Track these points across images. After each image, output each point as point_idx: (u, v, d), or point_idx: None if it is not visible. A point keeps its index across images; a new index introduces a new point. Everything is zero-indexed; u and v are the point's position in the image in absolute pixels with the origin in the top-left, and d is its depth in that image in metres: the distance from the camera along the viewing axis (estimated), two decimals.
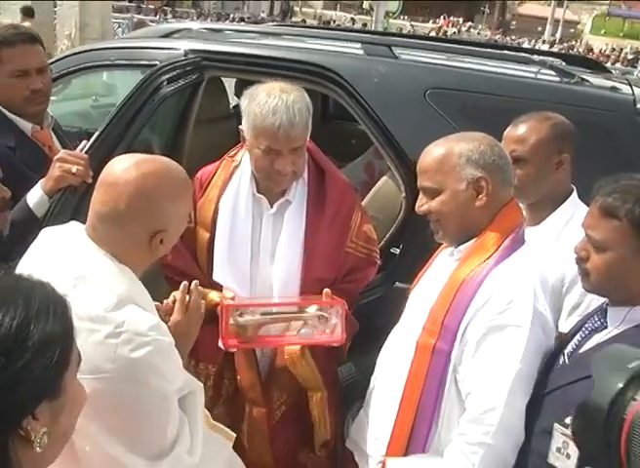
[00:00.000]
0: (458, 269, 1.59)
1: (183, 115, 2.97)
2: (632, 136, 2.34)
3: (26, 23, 6.76)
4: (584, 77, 2.72)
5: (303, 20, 24.46)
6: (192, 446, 1.38)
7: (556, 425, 1.36)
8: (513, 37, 34.50)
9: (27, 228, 1.85)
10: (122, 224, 1.32)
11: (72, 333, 0.90)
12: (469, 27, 40.43)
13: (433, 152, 1.61)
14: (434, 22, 40.19)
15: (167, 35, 3.08)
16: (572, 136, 1.97)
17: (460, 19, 42.09)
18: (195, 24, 3.56)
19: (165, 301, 1.54)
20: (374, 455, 1.68)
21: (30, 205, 1.95)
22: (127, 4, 24.02)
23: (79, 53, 3.05)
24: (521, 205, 1.74)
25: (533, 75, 2.79)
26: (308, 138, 2.01)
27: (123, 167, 1.35)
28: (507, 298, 1.49)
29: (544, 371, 1.49)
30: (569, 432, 1.31)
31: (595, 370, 1.09)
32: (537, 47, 23.81)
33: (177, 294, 1.55)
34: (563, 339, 1.57)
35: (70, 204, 1.98)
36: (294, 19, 31.27)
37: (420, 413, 1.55)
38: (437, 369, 1.54)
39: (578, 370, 1.35)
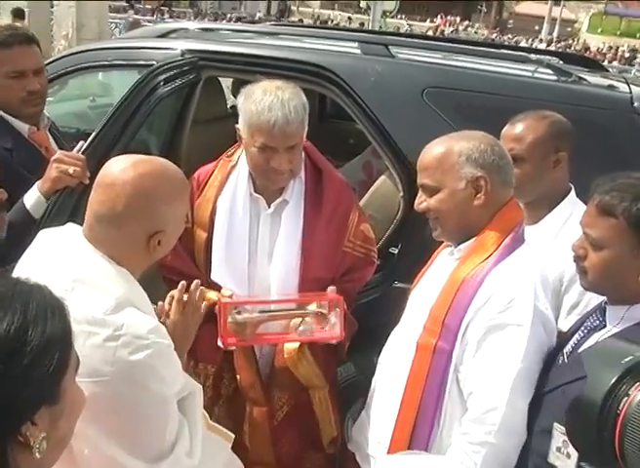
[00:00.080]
0: (458, 268, 1.59)
1: (181, 115, 2.97)
2: (629, 134, 2.34)
3: (17, 25, 6.74)
4: (582, 76, 2.72)
5: (300, 20, 24.45)
6: (191, 447, 1.37)
7: (556, 424, 1.36)
8: (510, 36, 34.52)
9: (25, 230, 1.84)
10: (120, 225, 1.32)
11: (71, 338, 0.90)
12: (466, 26, 40.46)
13: (433, 150, 1.62)
14: (431, 22, 40.18)
15: (164, 35, 3.07)
16: (569, 135, 1.97)
17: (458, 19, 42.08)
18: (192, 24, 3.55)
19: (160, 303, 1.54)
20: (375, 456, 1.68)
21: (27, 206, 1.94)
22: (124, 4, 23.99)
23: (76, 53, 3.05)
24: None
25: (530, 74, 2.79)
26: (305, 138, 2.01)
27: (120, 167, 1.34)
28: (508, 297, 1.49)
29: (544, 370, 1.49)
30: None
31: (589, 366, 1.09)
32: (534, 46, 23.82)
33: (174, 294, 1.55)
34: (562, 338, 1.57)
35: (68, 205, 1.98)
36: (291, 18, 31.26)
37: (422, 413, 1.55)
38: (438, 368, 1.54)
39: (576, 370, 1.34)
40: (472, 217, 1.59)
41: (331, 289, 1.89)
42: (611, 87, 2.58)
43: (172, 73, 2.53)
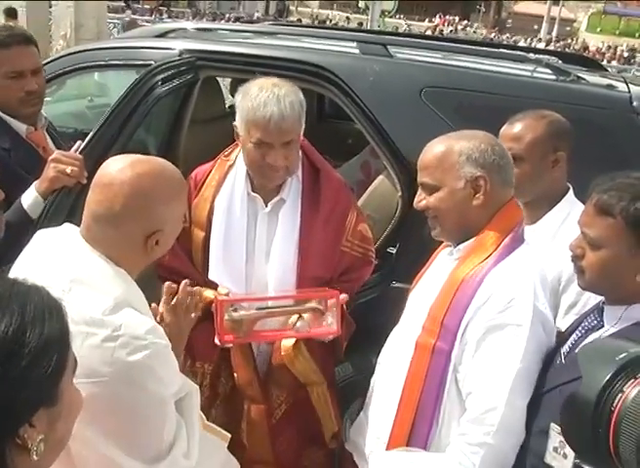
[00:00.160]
0: (457, 268, 1.58)
1: (179, 115, 2.97)
2: (628, 133, 2.34)
3: (14, 25, 6.72)
4: (580, 75, 2.72)
5: (299, 20, 24.45)
6: (189, 448, 1.37)
7: (552, 425, 1.36)
8: (508, 35, 34.51)
9: (22, 230, 1.84)
10: (117, 225, 1.31)
11: (68, 339, 0.89)
12: (465, 26, 40.46)
13: (434, 149, 1.62)
14: (430, 21, 40.19)
15: (162, 35, 3.07)
16: (568, 135, 1.97)
17: (456, 18, 42.09)
18: (190, 24, 3.55)
19: (153, 305, 1.53)
20: (373, 451, 1.67)
21: (25, 206, 1.94)
22: (122, 4, 23.98)
23: (74, 53, 3.04)
24: None
25: (529, 73, 2.79)
26: (304, 137, 2.01)
27: (118, 167, 1.34)
28: (507, 297, 1.48)
29: (543, 371, 1.49)
30: None
31: (583, 364, 1.09)
32: (533, 45, 23.83)
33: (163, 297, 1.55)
34: (560, 338, 1.56)
35: (65, 205, 1.97)
36: (290, 18, 31.25)
37: (420, 413, 1.55)
38: (437, 368, 1.53)
39: (574, 370, 1.34)
40: (471, 217, 1.59)
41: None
42: (610, 86, 2.58)
43: (170, 73, 2.53)
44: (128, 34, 3.62)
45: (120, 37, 3.82)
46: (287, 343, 1.93)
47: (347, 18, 34.81)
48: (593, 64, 3.40)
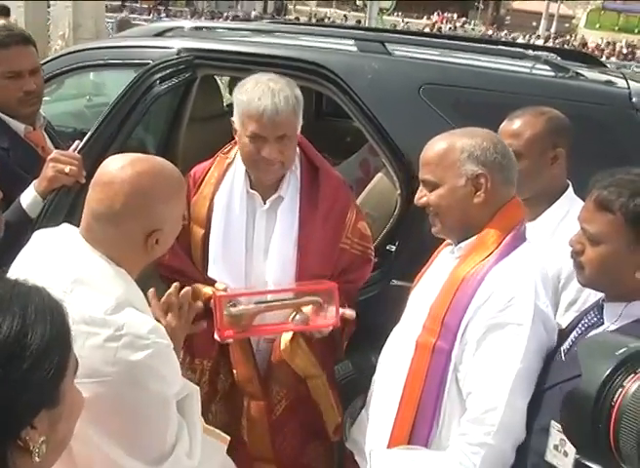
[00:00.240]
0: (458, 267, 1.58)
1: (177, 114, 2.96)
2: (628, 129, 2.34)
3: (1, 22, 6.70)
4: (579, 71, 2.71)
5: (297, 18, 24.43)
6: (191, 448, 1.37)
7: (553, 422, 1.36)
8: (505, 32, 34.45)
9: (21, 229, 1.84)
10: (118, 223, 1.31)
11: (70, 340, 0.89)
12: (464, 23, 40.42)
13: (436, 146, 1.61)
14: (428, 19, 40.16)
15: (160, 34, 3.06)
16: (567, 131, 1.97)
17: (455, 15, 42.05)
18: (188, 23, 3.54)
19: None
20: (373, 450, 1.66)
21: (24, 206, 1.94)
22: (120, 3, 23.97)
23: (72, 52, 3.04)
24: None
25: (527, 70, 2.78)
26: (302, 135, 2.01)
27: (118, 165, 1.34)
28: (508, 296, 1.47)
29: (543, 368, 1.49)
30: None
31: (583, 359, 1.09)
32: (531, 42, 23.80)
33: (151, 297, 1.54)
34: (560, 335, 1.56)
35: (64, 204, 1.97)
36: (287, 17, 31.21)
37: (421, 412, 1.55)
38: (437, 367, 1.53)
39: (574, 368, 1.34)
40: (472, 215, 1.58)
41: None
42: (609, 82, 2.58)
43: (168, 72, 2.52)
44: (126, 33, 3.61)
45: (118, 36, 3.82)
46: (285, 338, 1.94)
47: (345, 16, 34.77)
48: (592, 61, 3.39)
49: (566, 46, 25.31)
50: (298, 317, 1.87)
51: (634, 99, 2.37)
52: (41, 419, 0.82)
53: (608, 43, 32.21)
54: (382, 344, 1.79)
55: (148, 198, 1.33)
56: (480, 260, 1.54)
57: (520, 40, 25.08)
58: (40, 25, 9.63)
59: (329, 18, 34.35)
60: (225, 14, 25.81)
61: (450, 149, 1.58)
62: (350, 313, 1.91)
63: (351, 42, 2.86)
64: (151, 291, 1.55)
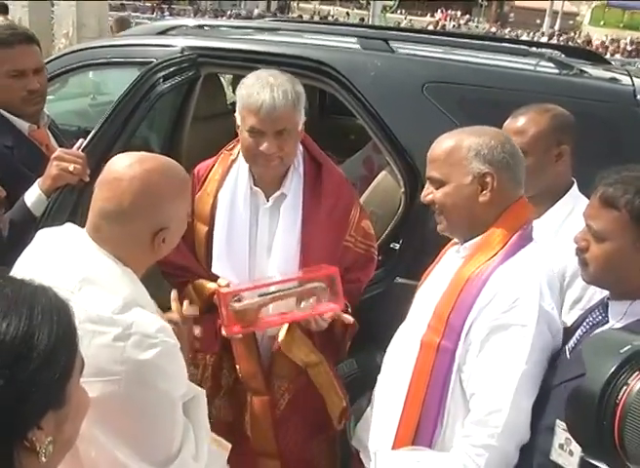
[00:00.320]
0: (463, 267, 1.57)
1: (181, 112, 2.97)
2: (632, 127, 2.33)
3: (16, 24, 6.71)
4: (583, 69, 2.71)
5: (300, 16, 24.40)
6: (197, 451, 1.36)
7: (558, 421, 1.35)
8: (509, 29, 34.34)
9: (25, 228, 1.85)
10: (126, 221, 1.31)
11: (76, 340, 0.88)
12: (467, 21, 40.29)
13: (443, 143, 1.60)
14: (432, 16, 40.05)
15: (163, 32, 3.07)
16: (571, 128, 1.96)
17: (458, 13, 41.92)
18: (191, 21, 3.54)
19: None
20: (379, 451, 1.65)
21: (28, 204, 1.94)
22: (124, 2, 23.97)
23: (76, 51, 3.04)
24: None
25: (531, 67, 2.78)
26: (306, 133, 2.01)
27: (126, 164, 1.34)
28: (512, 297, 1.46)
29: (548, 367, 1.48)
30: None
31: (587, 357, 1.09)
32: (535, 39, 23.72)
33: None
34: (565, 333, 1.55)
35: (68, 202, 1.98)
36: (291, 14, 31.17)
37: (425, 412, 1.54)
38: (442, 367, 1.52)
39: (579, 367, 1.34)
40: (477, 214, 1.57)
41: None
42: (613, 80, 2.57)
43: (171, 70, 2.53)
44: (129, 32, 3.62)
45: (122, 35, 3.82)
46: (282, 330, 1.95)
47: (347, 13, 34.70)
48: (596, 58, 3.38)
49: (570, 43, 25.24)
50: (302, 304, 1.88)
51: (639, 97, 2.36)
52: (47, 420, 0.82)
53: (612, 40, 32.07)
54: (387, 342, 1.78)
55: (156, 196, 1.32)
56: (485, 260, 1.53)
57: (524, 37, 25.00)
58: (44, 24, 9.64)
59: (332, 15, 34.31)
60: (229, 12, 25.81)
61: (457, 147, 1.57)
62: (349, 318, 1.91)
63: (354, 40, 2.86)
64: (174, 292, 1.57)
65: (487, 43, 3.23)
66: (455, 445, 1.50)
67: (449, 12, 41.35)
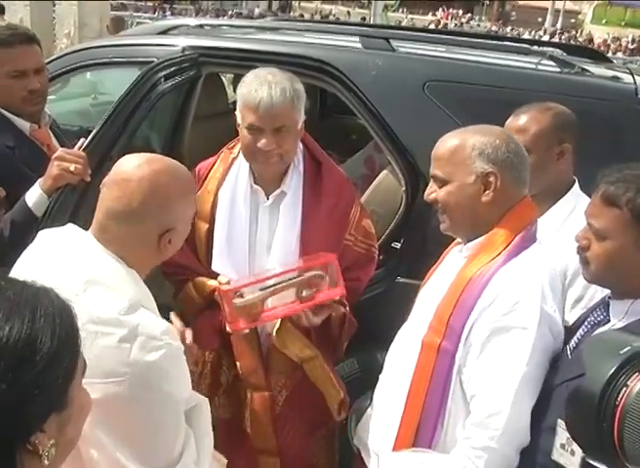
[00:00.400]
0: (465, 267, 1.56)
1: (182, 112, 2.97)
2: (634, 125, 2.32)
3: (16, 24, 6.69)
4: (585, 67, 2.70)
5: (301, 15, 24.40)
6: (200, 458, 1.35)
7: (559, 421, 1.34)
8: (510, 28, 34.27)
9: (27, 228, 1.85)
10: (134, 222, 1.31)
11: (78, 341, 0.88)
12: (469, 19, 40.22)
13: (448, 142, 1.59)
14: (433, 15, 39.98)
15: (164, 32, 3.06)
16: (573, 127, 1.96)
17: (460, 12, 41.86)
18: (192, 21, 3.54)
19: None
20: (380, 452, 1.65)
21: (29, 204, 1.94)
22: (126, 2, 24.00)
23: (77, 51, 3.04)
24: None
25: (533, 66, 2.77)
26: (307, 132, 2.02)
27: (135, 164, 1.34)
28: (513, 299, 1.45)
29: (551, 367, 1.47)
30: None
31: (587, 358, 1.09)
32: (536, 38, 23.69)
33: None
34: (567, 333, 1.55)
35: (69, 202, 1.98)
36: (292, 14, 31.15)
37: (426, 413, 1.53)
38: (442, 368, 1.51)
39: (579, 366, 1.33)
40: (480, 214, 1.56)
41: None
42: (615, 78, 2.57)
43: (172, 69, 2.53)
44: (131, 31, 3.62)
45: (123, 34, 3.82)
46: (275, 326, 1.96)
47: (348, 12, 34.67)
48: (598, 56, 3.38)
49: (572, 41, 25.20)
50: (304, 294, 1.88)
51: None
52: (50, 423, 0.82)
53: (614, 38, 31.98)
54: (388, 342, 1.78)
55: (165, 196, 1.33)
56: (487, 261, 1.52)
57: (526, 36, 24.96)
58: (46, 24, 9.66)
59: (334, 15, 34.27)
60: (230, 12, 25.81)
61: (461, 146, 1.56)
62: (339, 308, 1.92)
63: (356, 39, 2.86)
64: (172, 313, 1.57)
65: (488, 42, 3.23)
66: (455, 446, 1.49)
67: (450, 10, 41.29)
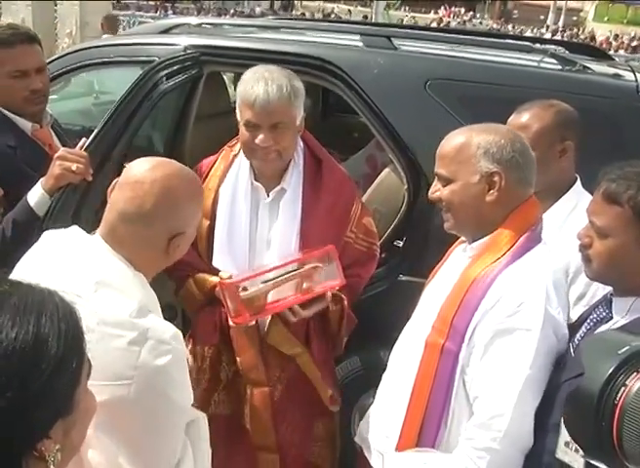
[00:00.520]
0: (469, 267, 1.55)
1: (183, 111, 2.97)
2: (636, 123, 2.32)
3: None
4: (587, 65, 2.70)
5: (302, 14, 24.38)
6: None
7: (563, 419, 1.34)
8: (512, 25, 34.22)
9: (29, 228, 1.85)
10: (145, 224, 1.31)
11: (83, 346, 0.87)
12: (471, 17, 40.16)
13: (453, 140, 1.58)
14: (435, 13, 39.93)
15: (166, 31, 3.07)
16: (575, 124, 1.96)
17: (462, 10, 41.79)
18: (195, 20, 3.54)
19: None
20: (384, 451, 1.65)
21: (31, 204, 1.94)
22: (127, 1, 24.00)
23: (79, 50, 3.04)
24: None
25: (534, 64, 2.77)
26: (309, 131, 2.02)
27: (147, 167, 1.34)
28: (517, 300, 1.44)
29: (555, 365, 1.47)
30: None
31: (586, 357, 1.09)
32: (538, 35, 23.65)
33: None
34: (570, 330, 1.54)
35: (71, 202, 1.98)
36: (294, 12, 31.14)
37: (429, 412, 1.53)
38: (445, 369, 1.51)
39: (580, 365, 1.33)
40: (485, 213, 1.55)
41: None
42: (616, 76, 2.56)
43: (174, 69, 2.52)
44: (132, 31, 3.62)
45: (124, 34, 3.82)
46: (267, 325, 1.98)
47: (349, 10, 34.63)
48: (600, 54, 3.37)
49: (574, 39, 25.14)
50: (305, 285, 1.90)
51: None
52: (56, 428, 0.81)
53: (616, 36, 31.91)
54: (391, 340, 1.78)
55: (177, 200, 1.33)
56: (491, 262, 1.51)
57: (528, 34, 24.92)
58: (47, 24, 9.69)
59: (335, 13, 34.23)
60: (232, 10, 25.82)
61: (466, 144, 1.54)
62: (328, 294, 1.94)
63: (357, 37, 2.86)
64: None
65: (490, 40, 3.22)
66: (457, 447, 1.49)
67: (452, 9, 41.23)
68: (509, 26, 33.57)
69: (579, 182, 1.98)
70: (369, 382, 1.92)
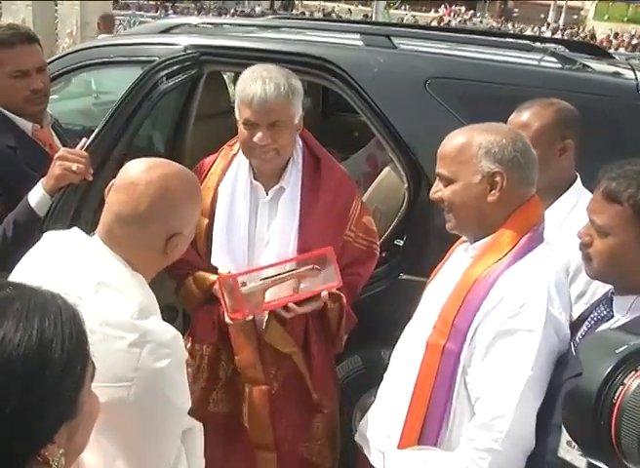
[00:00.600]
0: (471, 268, 1.54)
1: (184, 111, 2.97)
2: (636, 121, 2.32)
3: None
4: (587, 63, 2.69)
5: (302, 13, 24.38)
6: None
7: None
8: (511, 25, 34.17)
9: (30, 228, 1.86)
10: (141, 225, 1.31)
11: (87, 349, 0.86)
12: (471, 16, 40.11)
13: (454, 140, 1.57)
14: (435, 12, 39.89)
15: (166, 31, 3.07)
16: (576, 123, 1.96)
17: (462, 8, 41.74)
18: (194, 19, 3.54)
19: None
20: (385, 450, 1.65)
21: (32, 204, 1.95)
22: (128, 1, 24.02)
23: (79, 50, 3.04)
24: None
25: (534, 63, 2.76)
26: (309, 130, 2.02)
27: (142, 168, 1.34)
28: (519, 301, 1.44)
29: (558, 364, 1.46)
30: None
31: (584, 357, 1.09)
32: (538, 34, 23.63)
33: None
34: (571, 328, 1.54)
35: (72, 202, 1.98)
36: (295, 12, 31.11)
37: (431, 413, 1.53)
38: (447, 369, 1.50)
39: (580, 364, 1.33)
40: (486, 213, 1.54)
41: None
42: (616, 74, 2.56)
43: (174, 68, 2.52)
44: (132, 31, 3.62)
45: (125, 34, 3.82)
46: (263, 324, 1.98)
47: (349, 9, 34.61)
48: (600, 52, 3.37)
49: (574, 38, 25.12)
50: (302, 285, 1.91)
51: None
52: (60, 433, 0.81)
53: (616, 34, 31.86)
54: (391, 339, 1.78)
55: (173, 200, 1.33)
56: (493, 262, 1.51)
57: (528, 32, 24.90)
58: (48, 24, 9.69)
59: (336, 12, 34.20)
60: (232, 10, 25.80)
61: (467, 144, 1.54)
62: (325, 294, 1.94)
63: (357, 36, 2.86)
64: None
65: (490, 38, 3.22)
66: (459, 447, 1.49)
67: (453, 7, 41.18)
68: (509, 25, 33.52)
69: (579, 181, 1.98)
70: (370, 381, 1.92)
